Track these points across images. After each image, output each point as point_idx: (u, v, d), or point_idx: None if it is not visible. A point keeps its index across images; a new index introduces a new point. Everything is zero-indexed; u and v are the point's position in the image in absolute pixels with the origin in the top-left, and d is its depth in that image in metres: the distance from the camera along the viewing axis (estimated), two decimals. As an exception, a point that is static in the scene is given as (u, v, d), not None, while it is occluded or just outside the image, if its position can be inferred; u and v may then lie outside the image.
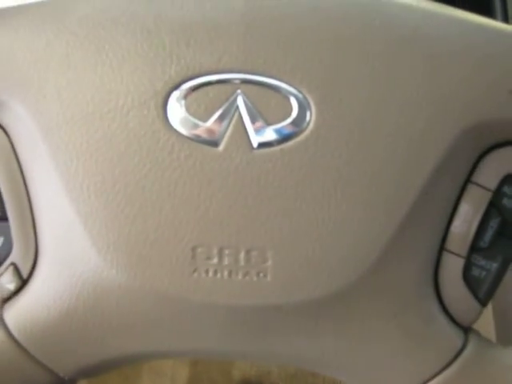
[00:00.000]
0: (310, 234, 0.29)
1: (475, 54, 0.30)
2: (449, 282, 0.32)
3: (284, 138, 0.29)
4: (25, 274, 0.32)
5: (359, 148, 0.29)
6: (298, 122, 0.29)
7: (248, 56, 0.29)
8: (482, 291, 0.32)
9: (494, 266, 0.32)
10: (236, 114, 0.29)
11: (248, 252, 0.29)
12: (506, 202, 0.32)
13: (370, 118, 0.29)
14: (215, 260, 0.30)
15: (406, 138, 0.29)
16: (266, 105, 0.29)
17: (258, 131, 0.29)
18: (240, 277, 0.30)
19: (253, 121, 0.29)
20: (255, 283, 0.30)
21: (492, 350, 0.33)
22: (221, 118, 0.29)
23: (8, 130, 0.31)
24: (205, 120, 0.29)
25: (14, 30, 0.30)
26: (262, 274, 0.30)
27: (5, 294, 0.32)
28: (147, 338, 0.32)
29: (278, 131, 0.29)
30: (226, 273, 0.30)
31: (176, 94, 0.29)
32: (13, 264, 0.32)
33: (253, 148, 0.29)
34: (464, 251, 0.31)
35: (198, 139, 0.29)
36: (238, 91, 0.29)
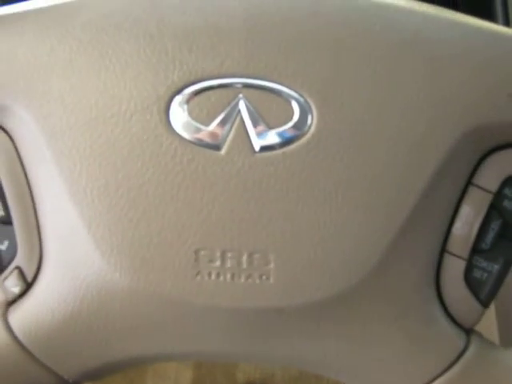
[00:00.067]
0: (312, 237, 0.29)
1: (475, 57, 0.31)
2: (450, 284, 0.32)
3: (286, 142, 0.30)
4: (29, 278, 0.32)
5: (360, 151, 0.29)
6: (300, 125, 0.30)
7: (249, 61, 0.30)
8: (483, 293, 0.32)
9: (496, 267, 0.32)
10: (238, 118, 0.30)
11: (250, 255, 0.30)
12: (506, 204, 0.32)
13: (371, 122, 0.30)
14: (218, 263, 0.30)
15: (406, 141, 0.30)
16: (267, 109, 0.30)
17: (259, 135, 0.30)
18: (243, 279, 0.30)
19: (255, 125, 0.30)
20: (258, 286, 0.30)
21: (494, 352, 0.33)
22: (223, 122, 0.30)
23: (12, 134, 0.32)
24: (207, 124, 0.30)
25: (18, 36, 0.31)
26: (264, 277, 0.30)
27: (10, 298, 0.32)
28: (151, 340, 0.32)
29: (279, 135, 0.30)
30: (228, 275, 0.30)
31: (178, 99, 0.30)
32: (17, 268, 0.32)
33: (255, 152, 0.30)
34: (465, 253, 0.31)
35: (200, 143, 0.30)
36: (240, 95, 0.30)
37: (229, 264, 0.30)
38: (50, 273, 0.31)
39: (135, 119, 0.30)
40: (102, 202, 0.30)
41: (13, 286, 0.32)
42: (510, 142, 0.31)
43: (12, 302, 0.32)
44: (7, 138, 0.32)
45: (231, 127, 0.30)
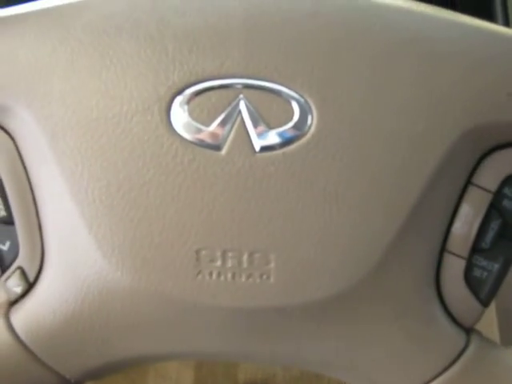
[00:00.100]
0: (312, 237, 0.30)
1: (474, 56, 0.31)
2: (450, 283, 0.32)
3: (286, 142, 0.30)
4: (31, 278, 0.32)
5: (360, 151, 0.30)
6: (300, 125, 0.30)
7: (249, 61, 0.30)
8: (483, 292, 0.32)
9: (496, 266, 0.32)
10: (238, 119, 0.30)
11: (251, 254, 0.30)
12: (506, 203, 0.32)
13: (371, 122, 0.30)
14: (219, 262, 0.30)
15: (406, 140, 0.30)
16: (267, 109, 0.30)
17: (260, 135, 0.30)
18: (243, 279, 0.30)
19: (255, 125, 0.30)
20: (258, 285, 0.30)
21: (494, 351, 0.33)
22: (223, 123, 0.30)
23: (14, 135, 0.32)
24: (208, 124, 0.30)
25: (20, 37, 0.31)
26: (265, 276, 0.30)
27: (12, 297, 0.32)
28: (152, 340, 0.32)
29: (279, 135, 0.30)
30: (229, 275, 0.30)
31: (179, 99, 0.30)
32: (19, 268, 0.32)
33: (255, 152, 0.30)
34: (465, 252, 0.32)
35: (201, 143, 0.30)
36: (240, 96, 0.30)
37: (229, 263, 0.30)
38: (51, 273, 0.32)
39: (136, 120, 0.30)
40: (104, 202, 0.30)
41: (15, 285, 0.32)
42: (509, 141, 0.31)
43: (14, 302, 0.33)
44: (9, 139, 0.32)
45: (232, 127, 0.30)
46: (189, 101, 0.30)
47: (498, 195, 0.32)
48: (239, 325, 0.31)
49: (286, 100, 0.30)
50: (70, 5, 0.31)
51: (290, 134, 0.30)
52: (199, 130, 0.30)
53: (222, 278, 0.30)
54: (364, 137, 0.30)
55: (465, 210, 0.31)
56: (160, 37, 0.30)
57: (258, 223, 0.30)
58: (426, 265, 0.31)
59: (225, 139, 0.30)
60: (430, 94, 0.30)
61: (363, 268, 0.30)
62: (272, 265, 0.30)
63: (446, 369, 0.32)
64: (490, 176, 0.31)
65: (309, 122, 0.30)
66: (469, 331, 0.33)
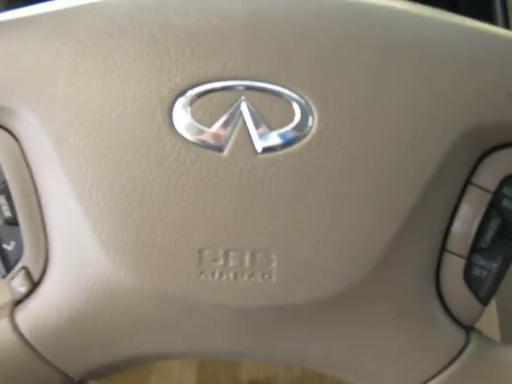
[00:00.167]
0: (313, 237, 0.30)
1: (473, 56, 0.31)
2: (450, 282, 0.32)
3: (287, 143, 0.30)
4: (36, 278, 0.32)
5: (360, 152, 0.30)
6: (301, 126, 0.30)
7: (251, 63, 0.30)
8: (482, 291, 0.32)
9: (495, 265, 0.32)
10: (240, 120, 0.30)
11: (253, 254, 0.30)
12: (505, 203, 0.32)
13: (371, 122, 0.30)
14: (221, 262, 0.30)
15: (406, 141, 0.30)
16: (269, 110, 0.30)
17: (261, 136, 0.30)
18: (245, 278, 0.30)
19: (256, 126, 0.30)
20: (260, 284, 0.30)
21: (494, 349, 0.33)
22: (225, 124, 0.30)
23: (19, 137, 0.32)
24: (210, 126, 0.30)
25: (24, 41, 0.31)
26: (266, 276, 0.30)
27: (16, 297, 0.33)
28: (155, 339, 0.32)
29: (281, 136, 0.30)
30: (231, 274, 0.30)
31: (182, 101, 0.30)
32: (24, 268, 0.32)
33: (257, 153, 0.30)
34: (465, 251, 0.32)
35: (203, 144, 0.30)
36: (242, 97, 0.30)
37: (232, 263, 0.30)
38: (55, 272, 0.32)
39: (139, 121, 0.30)
40: (107, 202, 0.30)
41: (19, 285, 0.32)
42: (508, 141, 0.32)
43: (19, 302, 0.33)
44: (14, 141, 0.32)
45: (233, 129, 0.30)
46: (191, 102, 0.30)
47: (498, 195, 0.32)
48: (241, 324, 0.31)
49: (287, 101, 0.30)
50: (73, 8, 0.32)
51: (291, 135, 0.30)
52: (201, 131, 0.30)
53: (225, 277, 0.30)
54: (364, 137, 0.30)
55: (464, 209, 0.32)
56: (163, 39, 0.30)
57: (260, 223, 0.30)
58: (425, 264, 0.32)
59: (227, 140, 0.30)
60: (430, 94, 0.30)
61: (363, 267, 0.30)
62: (274, 264, 0.30)
63: (445, 367, 0.32)
64: (489, 176, 0.32)
65: (310, 123, 0.30)
66: (469, 330, 0.33)
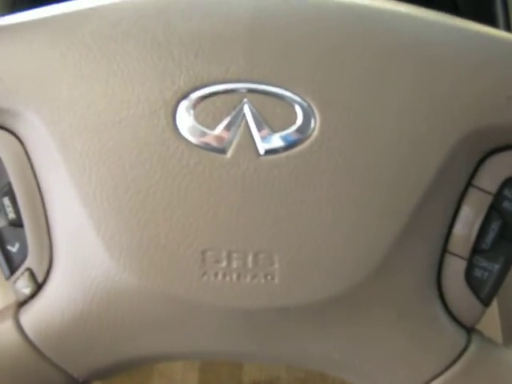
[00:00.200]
0: (315, 238, 0.30)
1: (474, 59, 0.31)
2: (451, 283, 0.32)
3: (289, 145, 0.30)
4: (40, 279, 0.33)
5: (362, 154, 0.30)
6: (303, 129, 0.30)
7: (254, 66, 0.30)
8: (484, 292, 0.32)
9: (496, 267, 0.32)
10: (243, 122, 0.30)
11: (256, 255, 0.30)
12: (506, 205, 0.32)
13: (373, 125, 0.30)
14: (224, 263, 0.30)
15: (407, 143, 0.30)
16: (271, 113, 0.30)
17: (264, 138, 0.30)
18: (248, 279, 0.30)
19: (259, 128, 0.30)
20: (263, 285, 0.30)
21: (495, 350, 0.33)
22: (228, 126, 0.30)
23: (23, 139, 0.32)
24: (213, 128, 0.30)
25: (29, 44, 0.31)
26: (269, 277, 0.30)
27: (21, 298, 0.33)
28: (158, 339, 0.32)
29: (283, 138, 0.30)
30: (234, 276, 0.30)
31: (185, 104, 0.30)
32: (28, 269, 0.32)
33: (259, 155, 0.30)
34: (466, 253, 0.32)
35: (206, 147, 0.30)
36: (245, 100, 0.30)
37: (235, 264, 0.30)
38: (60, 274, 0.32)
39: (143, 124, 0.30)
40: (112, 204, 0.30)
41: (24, 287, 0.33)
42: (509, 143, 0.32)
43: (23, 303, 0.33)
44: (18, 143, 0.32)
45: (236, 131, 0.30)
46: (194, 105, 0.30)
47: (498, 197, 0.32)
48: (244, 324, 0.31)
49: (290, 104, 0.30)
50: (77, 12, 0.32)
51: (294, 137, 0.30)
52: (204, 134, 0.30)
53: (228, 278, 0.30)
54: (366, 140, 0.30)
55: (465, 211, 0.32)
56: (166, 42, 0.31)
57: (263, 225, 0.30)
58: (427, 265, 0.32)
59: (230, 142, 0.30)
60: (431, 97, 0.30)
61: (365, 269, 0.30)
62: (276, 265, 0.30)
63: (447, 368, 0.32)
64: (490, 178, 0.32)
65: (312, 125, 0.30)
66: (470, 331, 0.33)
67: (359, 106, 0.30)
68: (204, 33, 0.31)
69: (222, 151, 0.30)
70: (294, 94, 0.30)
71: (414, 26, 0.32)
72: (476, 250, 0.32)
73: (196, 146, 0.30)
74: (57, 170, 0.31)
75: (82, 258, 0.31)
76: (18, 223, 0.33)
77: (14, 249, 0.33)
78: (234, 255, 0.30)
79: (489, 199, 0.32)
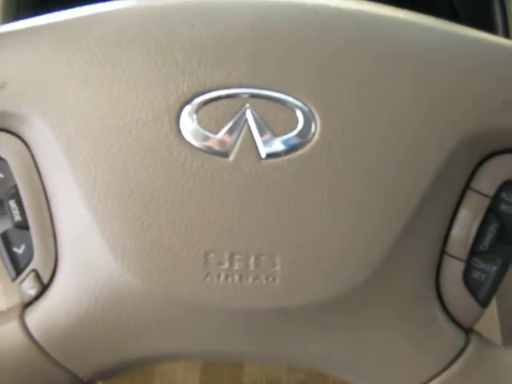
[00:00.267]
0: (316, 240, 0.30)
1: (470, 64, 0.31)
2: (450, 285, 0.33)
3: (291, 149, 0.31)
4: (45, 280, 0.33)
5: (362, 157, 0.31)
6: (304, 133, 0.31)
7: (255, 72, 0.31)
8: (482, 293, 0.33)
9: (494, 268, 0.33)
10: (245, 127, 0.31)
11: (257, 257, 0.31)
12: (504, 207, 0.32)
13: (372, 129, 0.31)
14: (226, 265, 0.31)
15: (406, 147, 0.31)
16: (273, 117, 0.31)
17: (266, 143, 0.31)
18: (250, 281, 0.31)
19: (261, 133, 0.31)
20: (265, 287, 0.31)
21: (493, 351, 0.33)
22: (231, 131, 0.31)
23: (29, 143, 0.33)
24: (216, 132, 0.31)
25: (35, 49, 0.32)
26: (271, 278, 0.31)
27: (26, 299, 0.33)
28: (162, 340, 0.33)
29: (285, 142, 0.31)
30: (236, 277, 0.31)
31: (188, 109, 0.31)
32: (34, 270, 0.33)
33: (261, 158, 0.31)
34: (464, 255, 0.32)
35: (209, 151, 0.31)
36: (247, 105, 0.31)
37: (237, 266, 0.31)
38: (65, 275, 0.33)
39: (147, 128, 0.31)
40: (116, 207, 0.31)
41: (29, 288, 0.33)
42: (506, 147, 0.32)
43: (29, 304, 0.34)
44: (24, 147, 0.33)
45: (239, 135, 0.31)
46: (197, 110, 0.31)
47: (496, 200, 0.32)
48: (245, 325, 0.32)
49: (291, 109, 0.31)
50: (82, 18, 0.33)
51: (295, 141, 0.31)
52: (207, 138, 0.31)
53: (230, 279, 0.31)
54: (365, 144, 0.31)
55: (463, 214, 0.32)
56: (170, 48, 0.31)
57: (264, 227, 0.31)
58: (425, 267, 0.32)
59: (232, 146, 0.31)
60: (429, 102, 0.31)
61: (365, 270, 0.31)
62: (278, 267, 0.31)
63: (445, 368, 0.32)
64: (487, 181, 0.32)
65: (312, 129, 0.31)
66: (468, 332, 0.33)
67: (359, 111, 0.31)
68: (206, 39, 0.31)
69: (225, 155, 0.31)
70: (295, 99, 0.31)
71: (413, 32, 0.32)
72: (474, 251, 0.32)
73: (199, 149, 0.31)
74: (62, 173, 0.31)
75: (87, 259, 0.32)
76: (23, 225, 0.33)
77: (19, 250, 0.33)
78: (236, 257, 0.31)
79: (486, 202, 0.32)
